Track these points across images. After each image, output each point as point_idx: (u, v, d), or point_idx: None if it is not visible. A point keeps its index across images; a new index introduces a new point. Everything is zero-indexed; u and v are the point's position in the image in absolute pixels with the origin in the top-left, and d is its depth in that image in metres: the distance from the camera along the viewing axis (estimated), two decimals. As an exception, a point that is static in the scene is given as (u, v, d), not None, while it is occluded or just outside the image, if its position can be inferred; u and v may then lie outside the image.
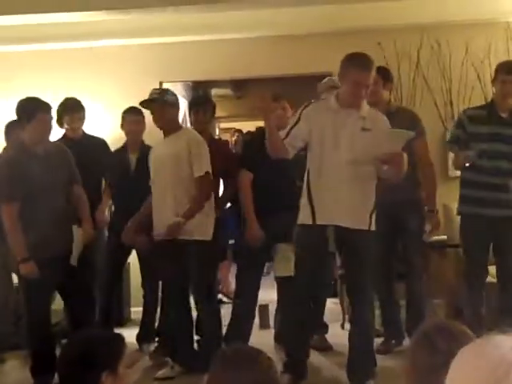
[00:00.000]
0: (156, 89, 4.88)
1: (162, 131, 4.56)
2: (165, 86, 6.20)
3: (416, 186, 4.69)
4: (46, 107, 4.30)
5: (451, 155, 4.93)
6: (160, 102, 4.45)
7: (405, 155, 3.82)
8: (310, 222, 3.97)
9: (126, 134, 5.13)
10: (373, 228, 4.00)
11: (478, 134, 4.51)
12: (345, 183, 3.89)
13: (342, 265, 4.16)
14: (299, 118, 4.00)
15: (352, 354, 4.09)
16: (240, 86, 10.54)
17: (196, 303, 4.63)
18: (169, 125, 4.51)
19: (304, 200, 4.02)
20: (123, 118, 5.12)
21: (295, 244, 4.20)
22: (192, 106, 5.15)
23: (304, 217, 4.01)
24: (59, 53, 6.08)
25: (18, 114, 4.26)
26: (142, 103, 4.57)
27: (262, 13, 5.64)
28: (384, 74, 4.71)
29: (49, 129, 4.31)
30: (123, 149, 5.14)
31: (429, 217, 4.67)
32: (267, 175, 4.51)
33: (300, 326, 4.10)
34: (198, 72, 6.22)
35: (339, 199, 3.88)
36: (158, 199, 4.46)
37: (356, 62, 3.89)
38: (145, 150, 4.91)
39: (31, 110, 4.22)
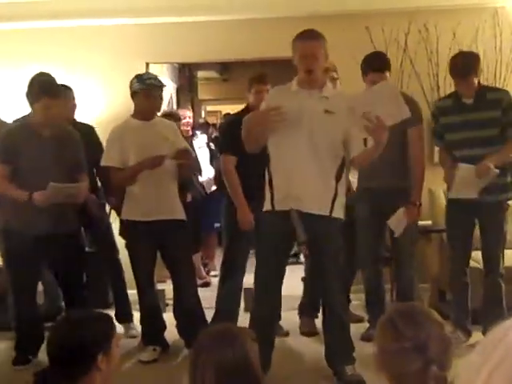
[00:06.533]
0: (149, 73, 4.90)
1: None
2: (151, 67, 6.16)
3: (406, 174, 4.57)
4: (54, 92, 4.19)
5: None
6: (161, 89, 4.50)
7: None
8: (270, 208, 3.86)
9: None
10: (336, 215, 3.82)
11: (448, 125, 4.48)
12: (303, 167, 3.71)
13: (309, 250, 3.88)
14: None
15: (328, 341, 4.04)
16: (226, 69, 10.50)
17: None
18: (159, 110, 4.63)
19: (266, 186, 3.89)
20: None
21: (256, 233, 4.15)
22: None
23: (265, 203, 3.90)
24: (51, 31, 6.00)
25: (26, 92, 4.22)
26: (152, 89, 4.41)
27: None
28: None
29: (54, 113, 4.18)
30: None
31: (408, 209, 4.49)
32: (252, 159, 4.26)
33: (265, 325, 3.94)
34: (184, 54, 6.17)
35: (298, 184, 3.72)
36: (150, 182, 4.39)
37: (298, 35, 3.83)
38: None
39: (36, 92, 4.16)
